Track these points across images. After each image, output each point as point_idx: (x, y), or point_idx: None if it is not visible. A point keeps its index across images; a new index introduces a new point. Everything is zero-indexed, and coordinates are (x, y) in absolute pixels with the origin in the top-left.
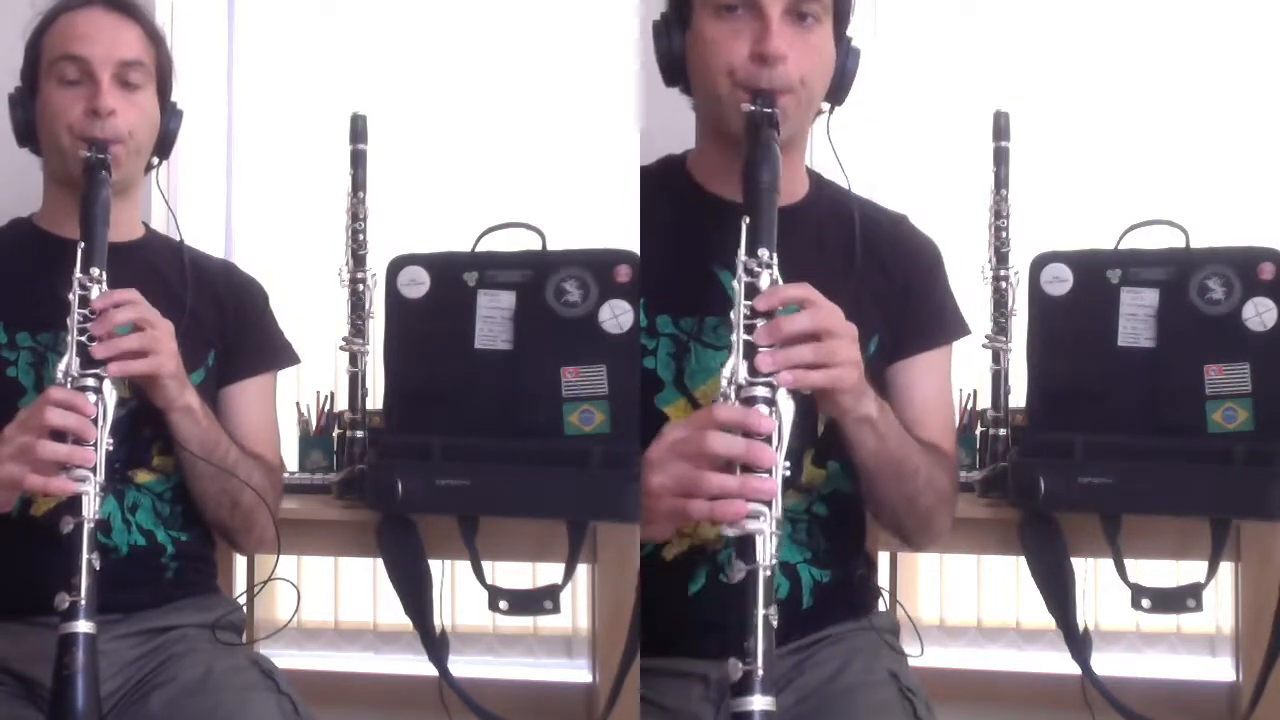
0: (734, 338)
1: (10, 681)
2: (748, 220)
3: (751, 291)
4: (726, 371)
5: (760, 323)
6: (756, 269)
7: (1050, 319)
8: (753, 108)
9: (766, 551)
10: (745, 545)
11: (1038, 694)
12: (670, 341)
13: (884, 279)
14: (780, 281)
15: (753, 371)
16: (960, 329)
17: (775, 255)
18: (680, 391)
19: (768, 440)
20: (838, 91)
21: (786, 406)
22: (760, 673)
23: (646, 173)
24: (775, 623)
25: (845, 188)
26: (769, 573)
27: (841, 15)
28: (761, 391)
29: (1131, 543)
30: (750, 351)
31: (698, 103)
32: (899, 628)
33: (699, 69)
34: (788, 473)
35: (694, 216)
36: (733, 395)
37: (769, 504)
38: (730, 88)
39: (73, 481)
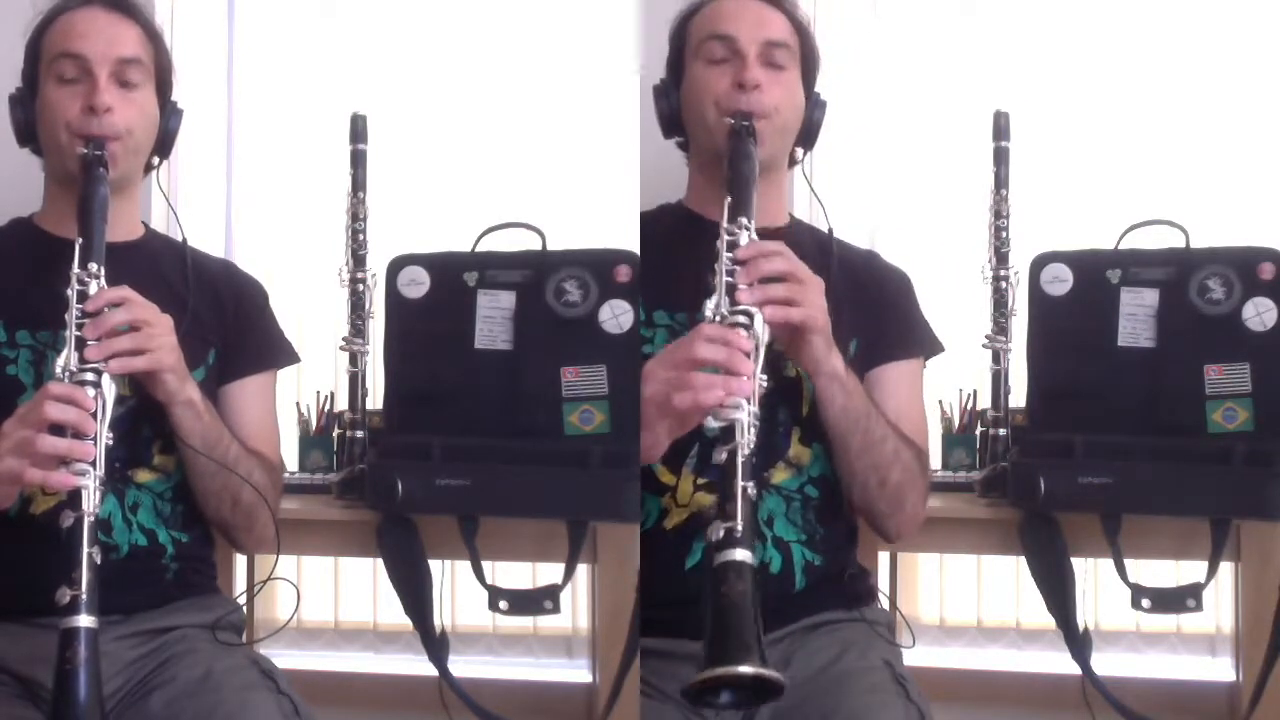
0: (716, 281)
1: (10, 682)
2: (729, 199)
3: (733, 248)
4: (710, 304)
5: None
6: (736, 230)
7: (1050, 319)
8: (733, 121)
9: (745, 435)
10: (727, 432)
11: (1038, 694)
12: (666, 332)
13: (860, 295)
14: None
15: (734, 304)
16: (933, 346)
17: (753, 223)
18: None
19: (746, 356)
20: (807, 138)
21: (763, 330)
22: (740, 530)
23: (645, 216)
24: (754, 496)
25: (822, 228)
26: (747, 451)
27: (809, 70)
28: (741, 319)
29: (1131, 543)
30: (731, 290)
31: (690, 137)
32: (893, 623)
33: (691, 104)
34: (764, 384)
35: (689, 234)
36: (717, 322)
37: (747, 400)
38: (716, 114)
39: (72, 475)
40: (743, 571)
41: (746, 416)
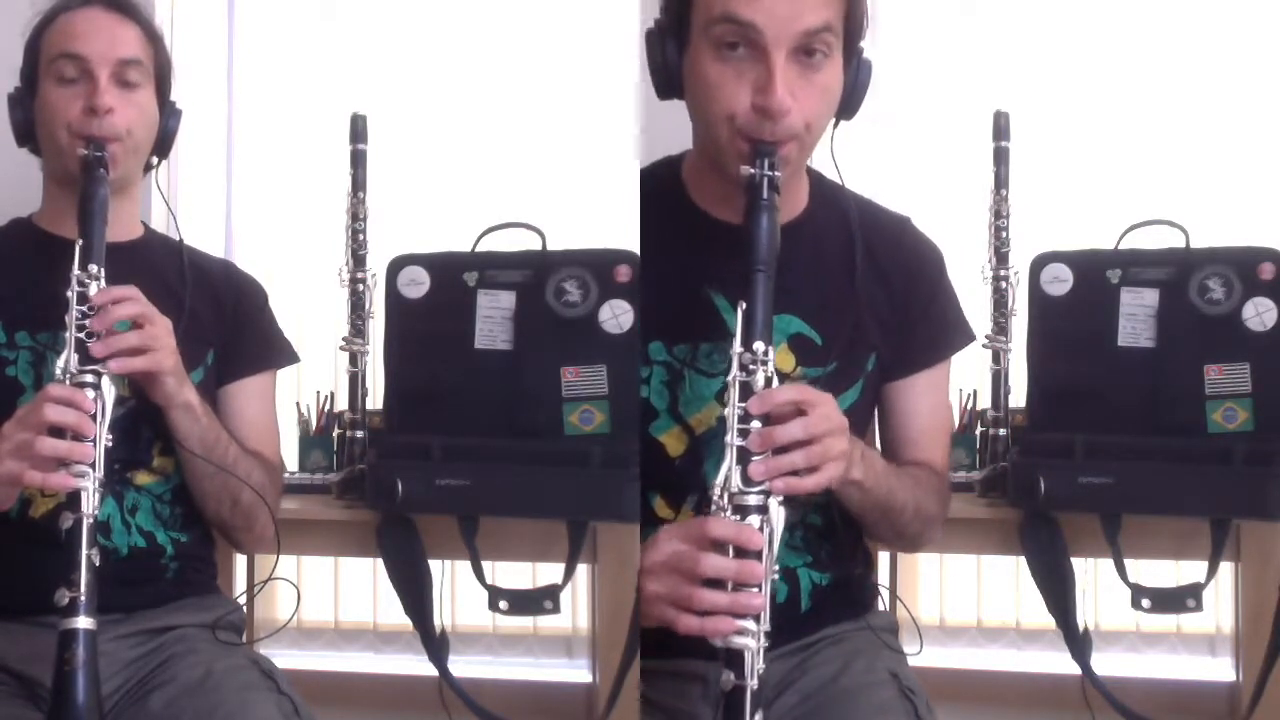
0: (728, 439)
1: (10, 681)
2: (743, 306)
3: (746, 391)
4: (720, 479)
5: (755, 425)
6: (753, 366)
7: (1050, 319)
8: (753, 170)
9: (754, 667)
10: (734, 658)
11: (1038, 694)
12: (664, 369)
13: (884, 291)
14: (775, 376)
15: (746, 480)
16: (963, 338)
17: (771, 350)
18: (675, 419)
19: (758, 555)
20: (848, 108)
21: (778, 514)
22: None
23: (645, 174)
24: None
25: (844, 193)
26: (756, 685)
27: (854, 35)
28: (754, 500)
29: (1131, 543)
30: (743, 456)
31: (693, 124)
32: (897, 627)
33: (698, 104)
34: (777, 577)
35: (688, 238)
36: (726, 503)
37: (757, 617)
38: (730, 134)
39: (72, 477)
40: None
41: (756, 642)
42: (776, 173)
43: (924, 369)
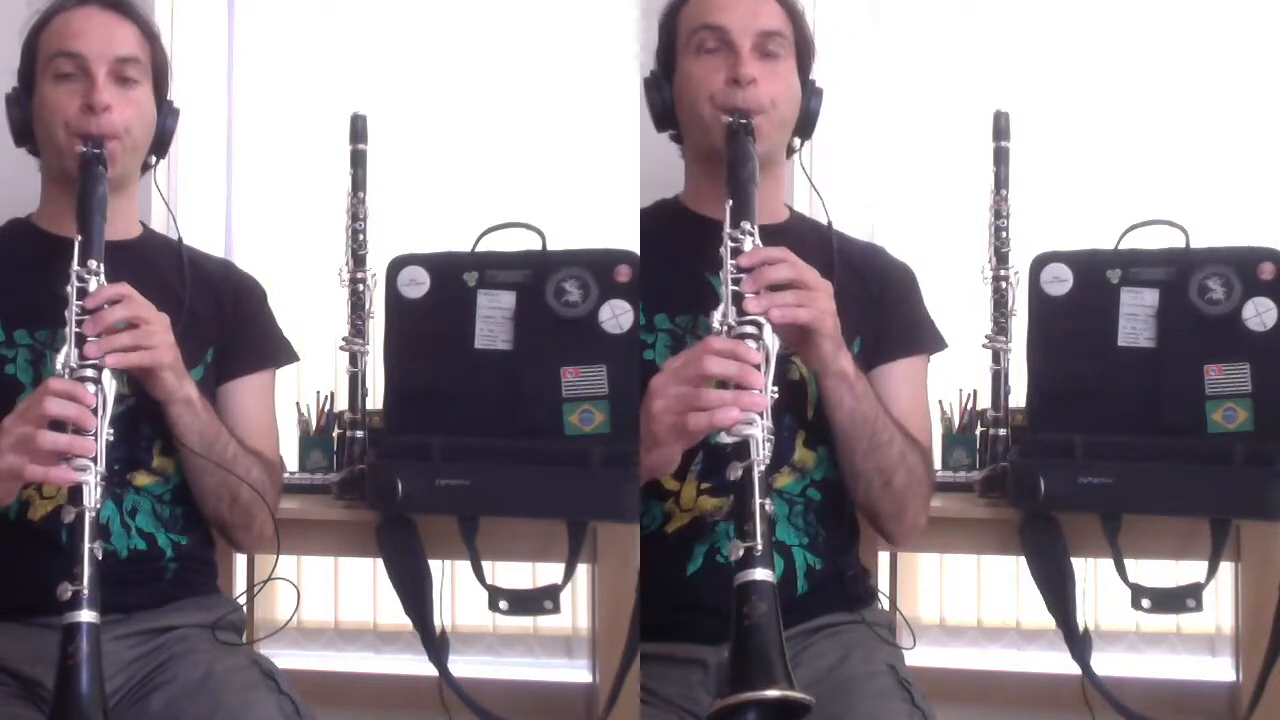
0: (723, 290)
1: (10, 682)
2: (730, 203)
3: (737, 254)
4: (718, 315)
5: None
6: (740, 235)
7: (1050, 319)
8: (731, 119)
9: (760, 451)
10: (741, 448)
11: (1038, 694)
12: (668, 335)
13: (863, 291)
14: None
15: (741, 313)
16: (937, 343)
17: (756, 227)
18: None
19: (757, 369)
20: (804, 127)
21: (772, 341)
22: (760, 549)
23: (644, 213)
24: (770, 509)
25: (823, 221)
26: (763, 468)
27: (804, 57)
28: (749, 329)
29: (1131, 543)
30: (738, 300)
31: (685, 133)
32: (894, 624)
33: (685, 99)
34: (774, 394)
35: (687, 234)
36: (724, 334)
37: (760, 415)
38: (711, 110)
39: (73, 471)
40: (764, 592)
41: (761, 431)
42: (750, 121)
43: (902, 357)
